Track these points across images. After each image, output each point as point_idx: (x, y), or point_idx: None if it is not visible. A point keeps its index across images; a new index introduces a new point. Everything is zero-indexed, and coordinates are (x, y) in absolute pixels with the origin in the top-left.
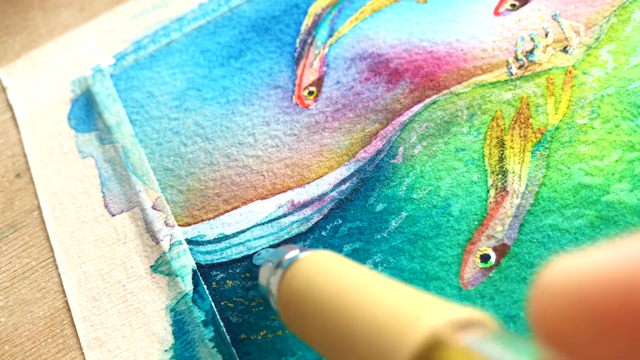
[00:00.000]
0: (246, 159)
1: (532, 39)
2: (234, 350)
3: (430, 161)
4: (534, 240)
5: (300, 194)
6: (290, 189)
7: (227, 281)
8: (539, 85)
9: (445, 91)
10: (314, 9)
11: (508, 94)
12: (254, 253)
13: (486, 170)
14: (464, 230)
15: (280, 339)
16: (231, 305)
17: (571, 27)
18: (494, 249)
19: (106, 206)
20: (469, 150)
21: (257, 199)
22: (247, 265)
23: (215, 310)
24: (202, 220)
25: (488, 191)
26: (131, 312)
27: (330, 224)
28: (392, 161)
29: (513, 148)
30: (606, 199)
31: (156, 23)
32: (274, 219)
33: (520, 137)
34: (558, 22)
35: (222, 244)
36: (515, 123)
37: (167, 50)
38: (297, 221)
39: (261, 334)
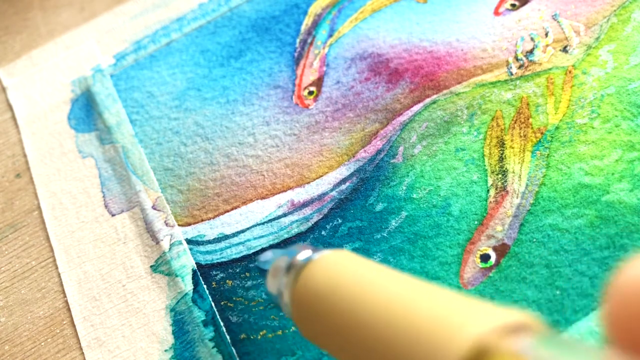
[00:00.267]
0: (246, 159)
1: (532, 39)
2: (234, 350)
3: (430, 161)
4: (534, 240)
5: (300, 194)
6: (290, 188)
7: (227, 281)
8: (539, 85)
9: (445, 91)
10: (314, 9)
11: (508, 93)
12: (255, 253)
13: (486, 170)
14: (464, 230)
15: (280, 338)
16: (231, 305)
17: (571, 26)
18: (494, 248)
19: (106, 206)
20: (469, 150)
21: (257, 199)
22: (249, 266)
23: (215, 310)
24: (202, 220)
25: (488, 191)
26: (131, 312)
27: (330, 224)
28: (392, 161)
29: (513, 148)
30: (606, 199)
31: (156, 23)
32: (274, 219)
33: (520, 136)
34: (558, 21)
35: (222, 244)
36: (515, 123)
37: (167, 50)
38: (297, 221)
39: (261, 333)
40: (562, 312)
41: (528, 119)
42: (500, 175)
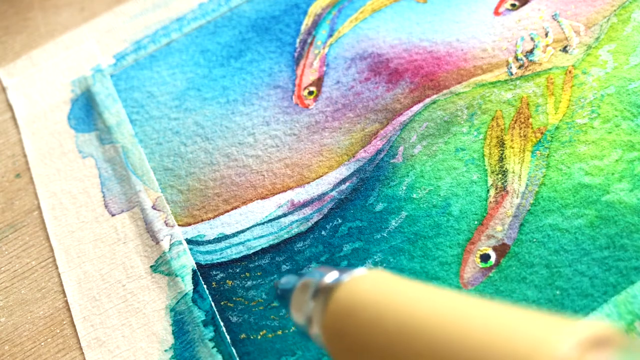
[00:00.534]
0: (246, 159)
1: (532, 39)
2: (234, 350)
3: (430, 161)
4: (534, 240)
5: (300, 194)
6: (290, 188)
7: (227, 281)
8: (539, 85)
9: (445, 91)
10: (314, 9)
11: (508, 93)
12: (255, 253)
13: (486, 170)
14: (464, 230)
15: (281, 338)
16: (231, 305)
17: (571, 26)
18: (494, 248)
19: (106, 206)
20: (469, 150)
21: (257, 199)
22: (249, 266)
23: (215, 310)
24: (202, 220)
25: (488, 191)
26: (131, 312)
27: (330, 224)
28: (392, 161)
29: (513, 148)
30: (606, 199)
31: (156, 23)
32: (274, 219)
33: (520, 136)
34: (558, 21)
35: (222, 244)
36: (515, 123)
37: (167, 50)
38: (297, 221)
39: (261, 333)
40: (562, 312)
41: (528, 119)
42: (500, 175)
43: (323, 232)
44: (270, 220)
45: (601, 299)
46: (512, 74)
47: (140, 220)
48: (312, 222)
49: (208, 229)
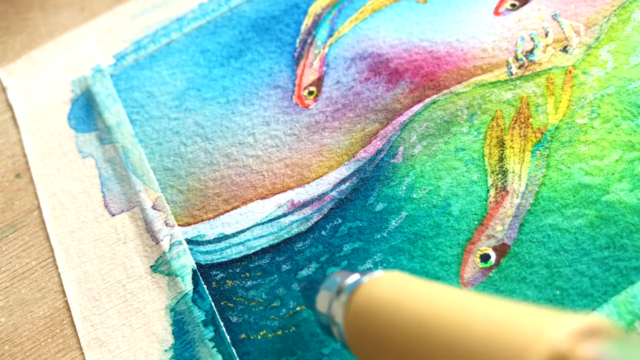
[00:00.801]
0: (246, 159)
1: (532, 39)
2: (234, 350)
3: (430, 161)
4: (534, 240)
5: (300, 194)
6: (290, 188)
7: (227, 281)
8: (539, 85)
9: (445, 91)
10: (314, 9)
11: (508, 93)
12: (255, 253)
13: (486, 170)
14: (464, 230)
15: (281, 338)
16: (231, 305)
17: (571, 26)
18: (494, 248)
19: (106, 206)
20: (469, 150)
21: (257, 199)
22: (249, 266)
23: (215, 310)
24: (202, 220)
25: (488, 191)
26: (131, 312)
27: (330, 224)
28: (392, 161)
29: (513, 148)
30: (606, 199)
31: (156, 23)
32: (274, 219)
33: (520, 136)
34: (558, 21)
35: (222, 244)
36: (515, 123)
37: (167, 50)
38: (297, 221)
39: (261, 333)
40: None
41: (528, 119)
42: (500, 175)
43: (323, 232)
44: (270, 220)
45: (601, 299)
46: (512, 74)
47: (140, 220)
48: (312, 222)
49: (208, 229)
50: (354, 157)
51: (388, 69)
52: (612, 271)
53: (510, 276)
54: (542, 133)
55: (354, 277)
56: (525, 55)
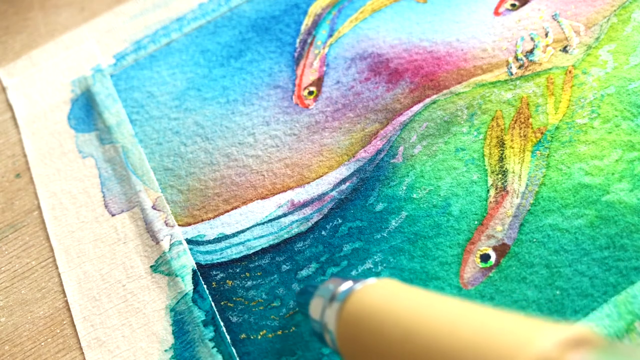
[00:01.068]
0: (246, 159)
1: (532, 39)
2: (234, 350)
3: (430, 161)
4: (534, 240)
5: (300, 194)
6: (290, 188)
7: (227, 281)
8: (539, 85)
9: (445, 91)
10: (314, 9)
11: (508, 93)
12: (255, 253)
13: (486, 170)
14: (464, 229)
15: (281, 338)
16: (231, 305)
17: (571, 26)
18: (494, 248)
19: (106, 206)
20: (469, 150)
21: (257, 199)
22: (249, 266)
23: (215, 310)
24: (202, 220)
25: (488, 191)
26: (131, 312)
27: (330, 224)
28: (392, 161)
29: (513, 148)
30: (606, 199)
31: (156, 23)
32: (274, 219)
33: (520, 136)
34: (558, 21)
35: (222, 244)
36: (515, 123)
37: (167, 50)
38: (297, 221)
39: (261, 333)
40: (562, 312)
41: (528, 119)
42: (500, 175)
43: (323, 232)
44: (270, 220)
45: (601, 299)
46: (512, 74)
47: (140, 220)
48: (312, 222)
49: (208, 229)
50: (354, 157)
51: (388, 69)
52: (612, 271)
53: (510, 276)
54: (542, 133)
55: (346, 285)
56: (525, 55)
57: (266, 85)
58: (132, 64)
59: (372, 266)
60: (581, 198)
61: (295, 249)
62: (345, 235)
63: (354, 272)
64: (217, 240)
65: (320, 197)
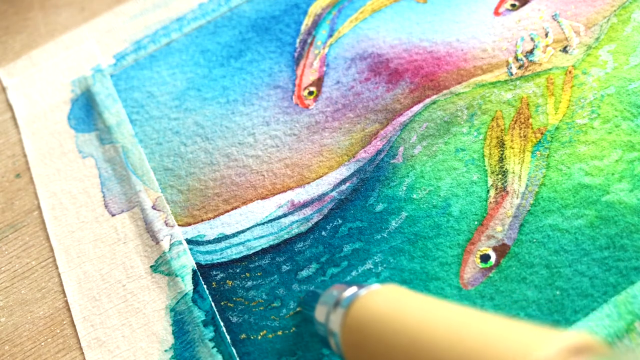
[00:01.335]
0: (246, 159)
1: (532, 39)
2: (234, 350)
3: (430, 161)
4: (534, 240)
5: (300, 194)
6: (290, 189)
7: (227, 281)
8: (539, 85)
9: (445, 91)
10: (314, 9)
11: (508, 94)
12: (255, 253)
13: (486, 170)
14: (464, 230)
15: (281, 339)
16: (231, 305)
17: (571, 27)
18: (494, 249)
19: (106, 206)
20: (469, 150)
21: (257, 199)
22: (249, 267)
23: (215, 310)
24: (202, 220)
25: (488, 191)
26: (131, 312)
27: (330, 224)
28: (392, 161)
29: (513, 148)
30: (606, 199)
31: (156, 23)
32: (274, 219)
33: (520, 137)
34: (558, 22)
35: (222, 244)
36: (515, 123)
37: (167, 50)
38: (297, 221)
39: (261, 334)
40: (562, 313)
41: (528, 119)
42: (500, 176)
43: (323, 233)
44: (270, 221)
45: (601, 299)
46: (512, 74)
47: (140, 220)
48: (312, 223)
49: (208, 229)
50: (354, 157)
51: (388, 69)
52: (612, 271)
53: (510, 276)
54: (542, 133)
55: (351, 290)
56: (525, 56)
57: (266, 85)
58: (132, 64)
59: (372, 267)
60: (581, 198)
61: (296, 249)
62: (346, 235)
63: (354, 273)
64: (217, 240)
65: (320, 198)
